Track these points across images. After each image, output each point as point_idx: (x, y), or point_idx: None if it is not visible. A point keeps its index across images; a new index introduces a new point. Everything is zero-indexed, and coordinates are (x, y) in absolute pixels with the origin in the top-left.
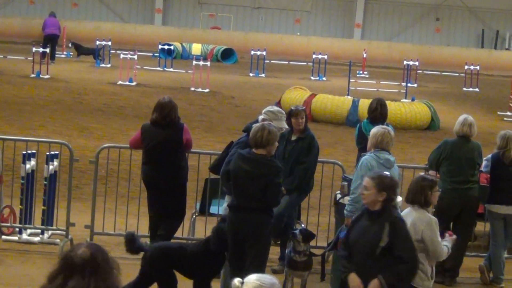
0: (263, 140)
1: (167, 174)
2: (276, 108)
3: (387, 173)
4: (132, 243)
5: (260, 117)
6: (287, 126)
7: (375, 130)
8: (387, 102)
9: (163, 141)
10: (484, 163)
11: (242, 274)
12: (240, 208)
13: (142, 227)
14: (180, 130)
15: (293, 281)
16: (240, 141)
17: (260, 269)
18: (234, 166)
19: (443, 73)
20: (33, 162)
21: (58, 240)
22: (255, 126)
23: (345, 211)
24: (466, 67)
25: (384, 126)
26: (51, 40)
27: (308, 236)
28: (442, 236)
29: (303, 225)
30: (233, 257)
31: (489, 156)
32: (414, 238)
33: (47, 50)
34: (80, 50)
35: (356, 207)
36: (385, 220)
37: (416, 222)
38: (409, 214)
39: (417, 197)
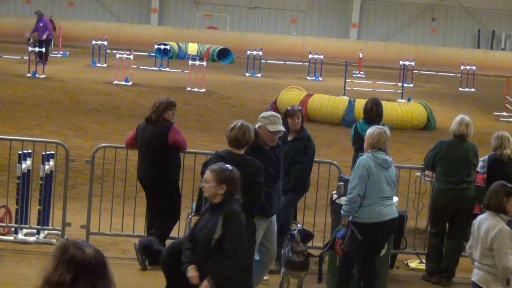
0: (250, 139)
1: (153, 172)
2: (269, 112)
3: (228, 166)
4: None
5: (257, 126)
6: (283, 129)
7: (371, 130)
8: (383, 102)
9: (148, 138)
10: (480, 163)
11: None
12: None
13: (138, 227)
14: (167, 129)
15: (289, 282)
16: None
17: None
18: None
19: (439, 73)
20: (29, 162)
21: (54, 240)
22: (234, 126)
23: (341, 211)
24: (462, 67)
25: (380, 126)
26: (43, 40)
27: (306, 236)
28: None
29: (299, 225)
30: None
31: (485, 157)
32: (485, 246)
33: (43, 49)
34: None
35: (352, 207)
36: (222, 212)
37: (488, 229)
38: (484, 220)
39: (492, 202)
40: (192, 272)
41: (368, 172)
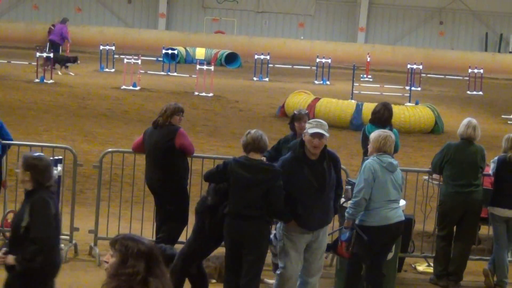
0: (266, 145)
1: (161, 177)
2: (314, 119)
3: (40, 154)
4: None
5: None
6: (326, 134)
7: (376, 134)
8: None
9: (155, 142)
10: (491, 165)
11: (238, 279)
12: (239, 215)
13: (146, 231)
14: (173, 133)
15: None
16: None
17: (256, 276)
18: (233, 173)
19: (446, 77)
20: None
21: (62, 245)
22: (249, 131)
23: (346, 213)
24: (470, 70)
25: (385, 130)
26: (52, 46)
27: None
28: (446, 238)
29: None
30: (230, 261)
31: (495, 158)
32: None
33: (51, 55)
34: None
35: (357, 211)
36: (30, 200)
37: None
38: None
39: None
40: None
41: (373, 175)
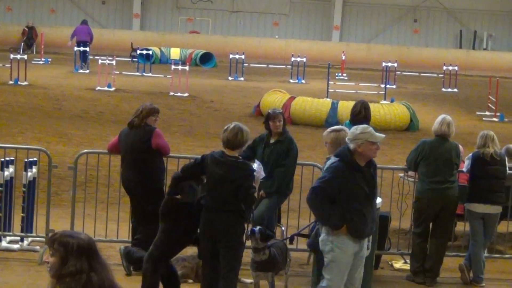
0: (243, 141)
1: (137, 177)
2: (358, 128)
3: None
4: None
5: (351, 146)
6: (383, 135)
7: (332, 135)
8: None
9: (130, 143)
10: (466, 162)
11: (215, 274)
12: (213, 209)
13: (122, 232)
14: (149, 133)
15: (259, 285)
16: None
17: (234, 270)
18: (209, 168)
19: (421, 74)
20: (11, 169)
21: (38, 247)
22: (227, 128)
23: None
24: (444, 67)
25: (343, 128)
26: (83, 45)
27: (267, 236)
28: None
29: (283, 228)
30: (206, 255)
31: (470, 155)
32: None
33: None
34: None
35: None
36: None
37: None
38: None
39: None
40: None
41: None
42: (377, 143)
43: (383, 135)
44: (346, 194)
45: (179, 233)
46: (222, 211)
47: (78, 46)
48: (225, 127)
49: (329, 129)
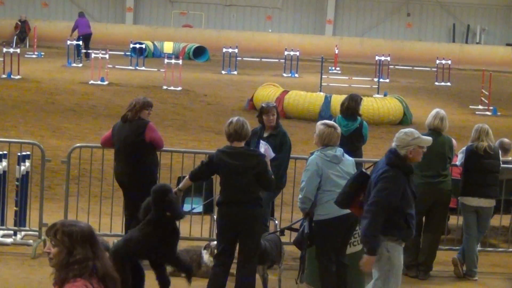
0: (248, 132)
1: (131, 172)
2: (406, 132)
3: None
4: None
5: (402, 152)
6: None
7: (322, 128)
8: None
9: (124, 137)
10: (459, 156)
11: (227, 265)
12: (233, 202)
13: (115, 226)
14: (143, 127)
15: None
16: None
17: (254, 258)
18: (221, 163)
19: (414, 68)
20: (4, 163)
21: (31, 241)
22: (231, 121)
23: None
24: (437, 61)
25: (331, 123)
26: (86, 39)
27: None
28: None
29: (276, 222)
30: (223, 248)
31: (463, 149)
32: None
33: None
34: None
35: (304, 207)
36: None
37: None
38: None
39: None
40: None
41: (317, 172)
42: (424, 146)
43: (430, 139)
44: (405, 201)
45: (155, 242)
46: (243, 202)
47: (83, 39)
48: (229, 121)
49: (323, 121)
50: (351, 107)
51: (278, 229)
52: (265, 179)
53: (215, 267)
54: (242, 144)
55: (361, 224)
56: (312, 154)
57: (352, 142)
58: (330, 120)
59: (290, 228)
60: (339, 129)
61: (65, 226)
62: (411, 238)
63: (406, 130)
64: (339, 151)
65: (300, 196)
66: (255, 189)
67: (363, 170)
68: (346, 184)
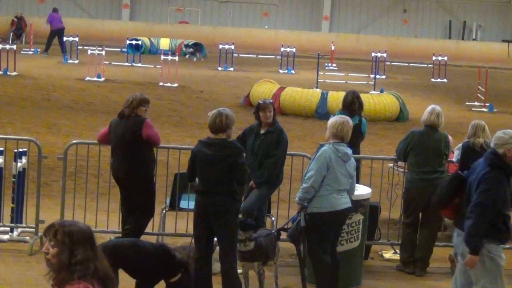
0: (222, 124)
1: (128, 168)
2: (502, 135)
3: None
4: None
5: (501, 151)
6: None
7: (334, 119)
8: None
9: (121, 133)
10: (455, 152)
11: (208, 255)
12: (207, 192)
13: (112, 223)
14: (140, 124)
15: (247, 274)
16: None
17: (233, 249)
18: (198, 153)
19: (411, 65)
20: (0, 159)
21: (27, 237)
22: (212, 113)
23: (296, 198)
24: (434, 58)
25: (343, 116)
26: (59, 33)
27: (246, 225)
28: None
29: (273, 218)
30: (201, 239)
31: (460, 145)
32: None
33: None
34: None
35: (306, 197)
36: None
37: None
38: None
39: None
40: None
41: (328, 165)
42: None
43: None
44: (504, 202)
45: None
46: (215, 193)
47: (57, 35)
48: (211, 113)
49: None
50: (354, 103)
51: (273, 231)
52: (238, 170)
53: (195, 263)
54: (223, 136)
55: (465, 224)
56: (322, 145)
57: (351, 139)
58: (326, 116)
59: (283, 229)
60: (351, 122)
61: (65, 226)
62: (509, 240)
63: (505, 130)
64: (349, 150)
65: (305, 185)
66: (229, 181)
67: (459, 172)
68: (442, 186)
